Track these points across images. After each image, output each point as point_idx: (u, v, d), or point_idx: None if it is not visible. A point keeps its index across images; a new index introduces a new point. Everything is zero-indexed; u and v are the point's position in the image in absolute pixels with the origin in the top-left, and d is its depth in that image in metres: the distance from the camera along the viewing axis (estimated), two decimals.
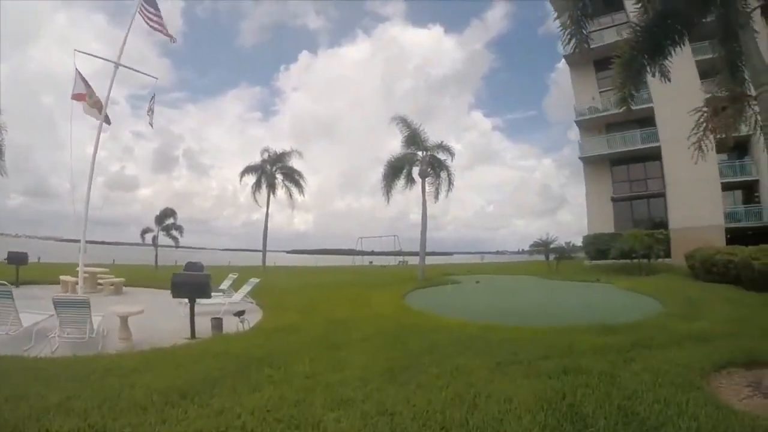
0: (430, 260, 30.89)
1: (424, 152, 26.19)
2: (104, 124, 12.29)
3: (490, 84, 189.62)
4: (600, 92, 35.23)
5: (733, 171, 30.10)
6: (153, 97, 13.49)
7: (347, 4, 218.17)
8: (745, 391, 5.45)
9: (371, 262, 46.58)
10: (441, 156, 26.53)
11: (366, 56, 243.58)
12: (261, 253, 39.12)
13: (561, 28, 8.39)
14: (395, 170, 26.05)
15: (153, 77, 13.19)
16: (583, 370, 5.85)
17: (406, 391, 5.25)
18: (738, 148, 29.74)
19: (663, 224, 30.07)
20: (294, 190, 39.00)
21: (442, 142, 26.67)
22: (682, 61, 29.35)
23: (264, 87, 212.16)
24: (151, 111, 13.42)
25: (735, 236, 26.88)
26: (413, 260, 34.84)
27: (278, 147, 40.62)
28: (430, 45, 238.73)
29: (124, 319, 8.49)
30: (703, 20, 7.85)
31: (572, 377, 5.62)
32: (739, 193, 30.92)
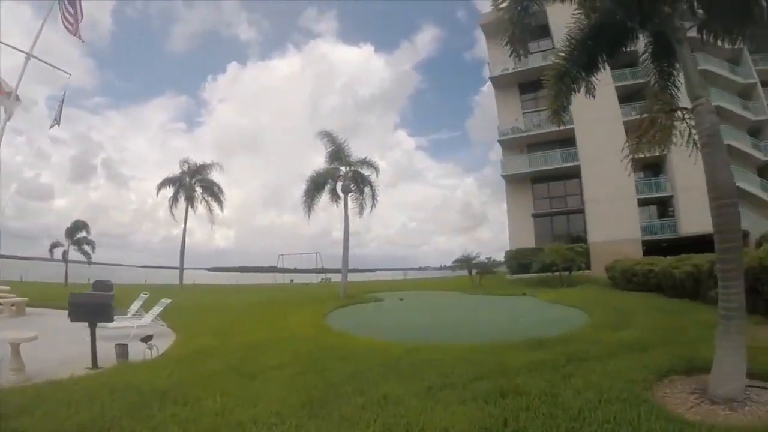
0: (353, 277, 30.23)
1: (348, 168, 25.58)
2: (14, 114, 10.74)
3: (415, 104, 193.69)
4: (523, 113, 36.68)
5: (649, 188, 32.09)
6: (64, 95, 12.10)
7: (281, 18, 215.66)
8: (691, 399, 5.26)
9: (292, 280, 45.14)
10: (365, 172, 25.99)
11: (295, 71, 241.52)
12: (179, 270, 36.93)
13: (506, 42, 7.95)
14: (317, 185, 25.22)
15: (66, 73, 11.75)
16: (521, 391, 5.33)
17: (328, 426, 4.59)
18: (653, 167, 32.08)
19: (581, 239, 31.41)
20: (214, 204, 37.31)
21: (366, 157, 26.14)
22: (603, 86, 30.88)
23: (190, 97, 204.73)
24: (59, 109, 12.00)
25: (651, 248, 28.25)
26: (337, 277, 34.04)
27: (201, 159, 38.74)
28: (360, 63, 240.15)
29: (15, 347, 7.15)
30: (638, 35, 7.69)
31: (511, 400, 5.08)
32: (654, 208, 32.95)
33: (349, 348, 8.84)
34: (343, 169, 25.63)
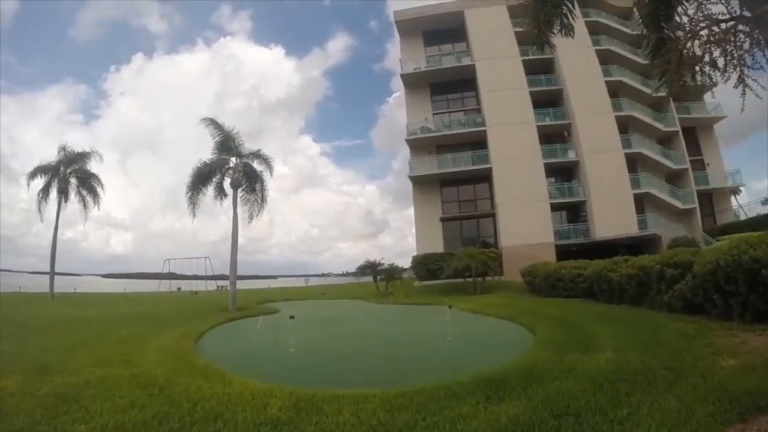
0: (252, 284, 26.85)
1: (238, 159, 22.16)
2: None
3: (322, 111, 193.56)
4: (433, 114, 35.23)
5: (561, 192, 31.65)
6: None
7: (194, 12, 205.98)
8: None
9: (179, 288, 40.20)
10: (257, 167, 22.69)
11: (203, 69, 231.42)
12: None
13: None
14: (203, 178, 21.51)
15: None
16: None
17: None
18: (564, 172, 31.91)
19: (491, 243, 30.43)
20: (89, 199, 31.92)
21: (259, 150, 22.88)
22: (518, 90, 30.06)
23: (90, 86, 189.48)
24: None
25: (561, 253, 27.24)
26: (238, 284, 30.06)
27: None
28: (269, 66, 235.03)
29: None
30: None
31: None
32: (564, 213, 32.38)
33: (210, 401, 5.51)
34: (233, 160, 22.16)
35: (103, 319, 16.48)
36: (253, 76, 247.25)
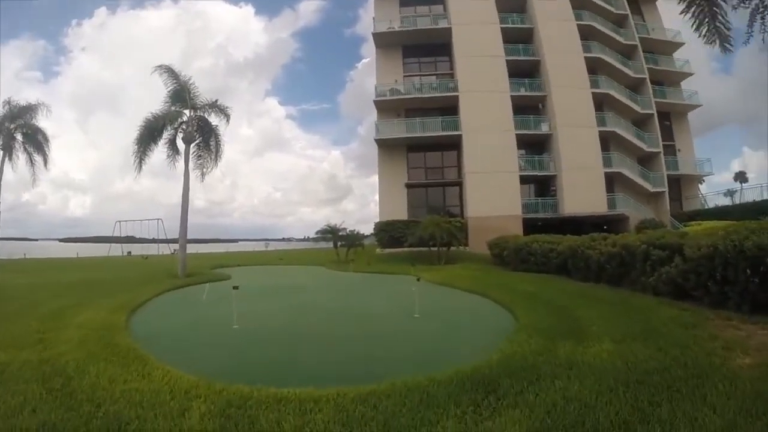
0: (211, 248, 25.29)
1: (192, 112, 20.37)
2: None
3: (289, 73, 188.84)
4: (404, 76, 33.70)
5: (531, 165, 30.81)
6: None
7: None
8: None
9: (130, 253, 38.11)
10: (213, 120, 20.93)
11: (169, 24, 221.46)
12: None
13: None
14: (152, 132, 19.62)
15: None
16: None
17: None
18: (536, 145, 31.34)
19: (456, 213, 29.65)
20: (37, 157, 29.41)
21: (216, 100, 21.01)
22: (495, 58, 28.79)
23: (49, 42, 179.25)
24: None
25: (527, 226, 26.74)
26: (195, 248, 28.27)
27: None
28: (237, 24, 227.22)
29: None
30: None
31: None
32: (533, 187, 31.78)
33: (115, 402, 4.24)
34: (186, 113, 20.35)
35: (36, 288, 14.82)
36: (221, 34, 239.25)
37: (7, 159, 28.63)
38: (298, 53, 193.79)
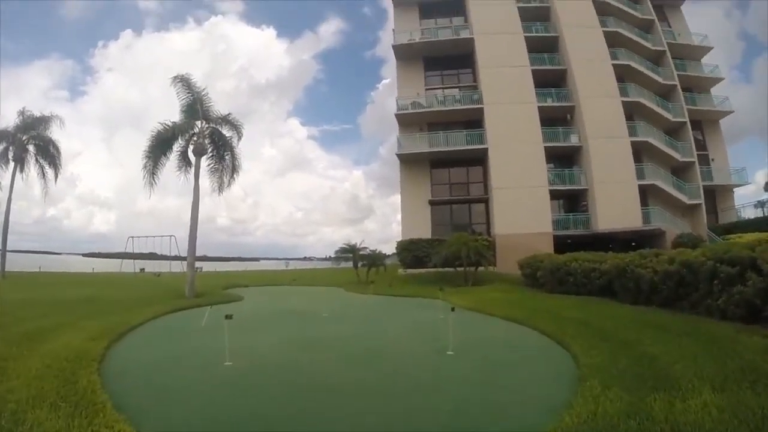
0: (232, 266, 24.15)
1: (205, 123, 19.27)
2: None
3: (310, 94, 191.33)
4: (426, 90, 32.40)
5: (561, 179, 29.09)
6: None
7: None
8: None
9: (143, 269, 36.99)
10: (226, 133, 19.83)
11: (193, 48, 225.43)
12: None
13: None
14: (162, 144, 18.54)
15: None
16: None
17: None
18: (564, 158, 29.71)
19: (480, 231, 27.76)
20: (49, 170, 28.82)
21: (228, 114, 19.97)
22: (520, 68, 27.36)
23: (77, 62, 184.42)
24: None
25: (555, 244, 25.13)
26: (215, 266, 27.02)
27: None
28: (259, 47, 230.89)
29: None
30: None
31: None
32: (562, 202, 29.98)
33: None
34: (198, 124, 19.28)
35: (27, 304, 13.83)
36: (244, 56, 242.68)
37: (19, 171, 28.24)
38: (320, 75, 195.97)
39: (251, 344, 8.47)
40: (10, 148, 27.84)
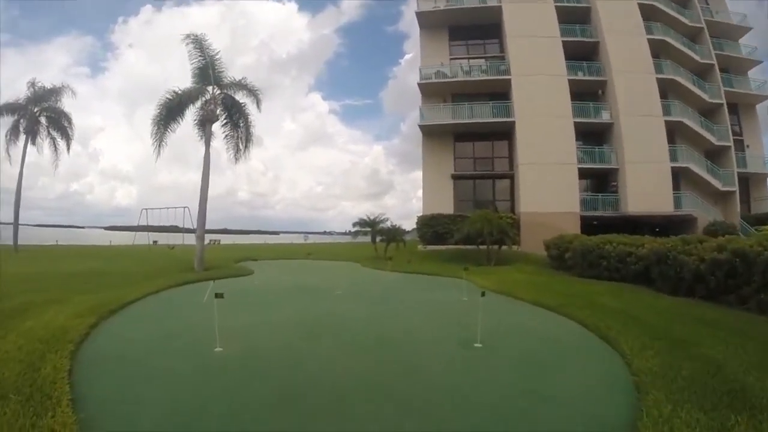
0: (250, 239, 23.47)
1: (216, 89, 18.31)
2: None
3: (332, 69, 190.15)
4: (451, 59, 30.65)
5: (590, 157, 27.44)
6: None
7: None
8: None
9: (155, 242, 36.42)
10: (241, 99, 18.88)
11: (213, 21, 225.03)
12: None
13: None
14: (172, 111, 17.64)
15: None
16: None
17: None
18: (594, 135, 28.04)
19: (504, 209, 26.72)
20: (61, 141, 28.62)
21: (243, 78, 19.00)
22: (550, 38, 25.62)
23: (97, 39, 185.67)
24: None
25: (581, 225, 24.00)
26: (233, 239, 26.38)
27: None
28: (280, 21, 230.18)
29: None
30: None
31: None
32: (589, 182, 28.26)
33: None
34: (210, 90, 18.33)
35: (29, 278, 13.20)
36: (265, 31, 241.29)
37: (37, 143, 27.98)
38: (341, 49, 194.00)
39: (251, 325, 7.62)
40: (22, 120, 27.55)
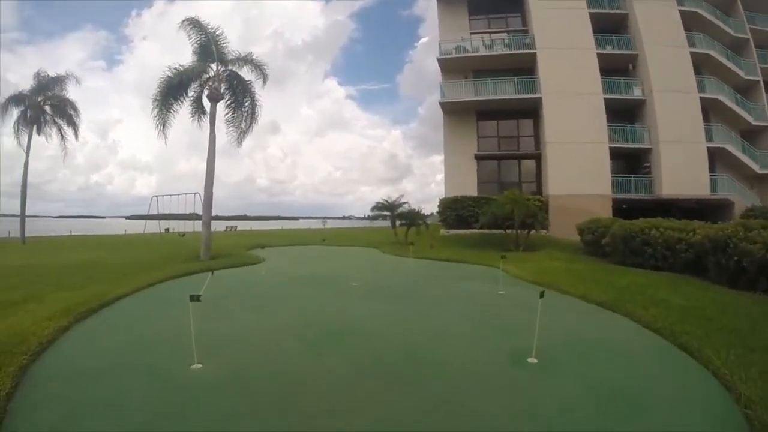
0: (269, 225, 22.30)
1: (220, 66, 17.01)
2: None
3: (347, 54, 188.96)
4: (471, 34, 28.99)
5: (622, 136, 25.70)
6: None
7: None
8: None
9: (167, 229, 35.41)
10: (246, 76, 17.57)
11: (226, 12, 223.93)
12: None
13: None
14: (173, 90, 16.35)
15: None
16: None
17: None
18: (625, 113, 26.27)
19: (530, 190, 25.15)
20: (67, 130, 27.76)
21: (249, 53, 17.66)
22: (577, 10, 23.81)
23: (111, 33, 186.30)
24: None
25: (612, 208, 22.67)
26: (250, 225, 25.25)
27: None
28: (293, 9, 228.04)
29: None
30: None
31: None
32: (620, 162, 26.12)
33: None
34: (213, 67, 17.04)
35: (19, 271, 12.17)
36: (278, 19, 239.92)
37: (45, 133, 27.32)
38: (356, 34, 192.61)
39: (244, 330, 6.29)
40: (27, 110, 26.88)
